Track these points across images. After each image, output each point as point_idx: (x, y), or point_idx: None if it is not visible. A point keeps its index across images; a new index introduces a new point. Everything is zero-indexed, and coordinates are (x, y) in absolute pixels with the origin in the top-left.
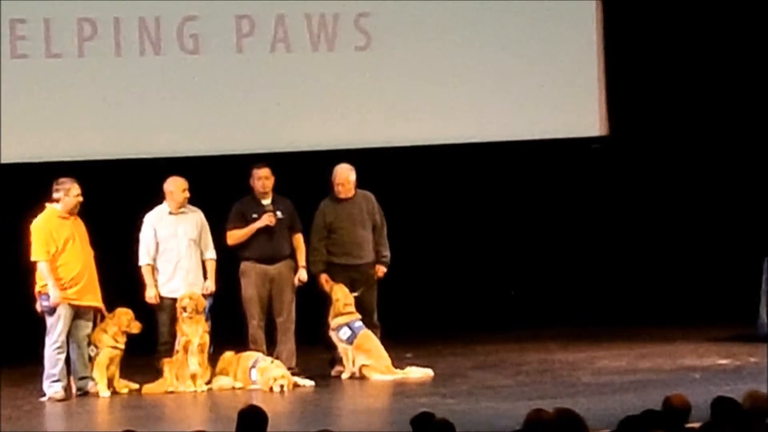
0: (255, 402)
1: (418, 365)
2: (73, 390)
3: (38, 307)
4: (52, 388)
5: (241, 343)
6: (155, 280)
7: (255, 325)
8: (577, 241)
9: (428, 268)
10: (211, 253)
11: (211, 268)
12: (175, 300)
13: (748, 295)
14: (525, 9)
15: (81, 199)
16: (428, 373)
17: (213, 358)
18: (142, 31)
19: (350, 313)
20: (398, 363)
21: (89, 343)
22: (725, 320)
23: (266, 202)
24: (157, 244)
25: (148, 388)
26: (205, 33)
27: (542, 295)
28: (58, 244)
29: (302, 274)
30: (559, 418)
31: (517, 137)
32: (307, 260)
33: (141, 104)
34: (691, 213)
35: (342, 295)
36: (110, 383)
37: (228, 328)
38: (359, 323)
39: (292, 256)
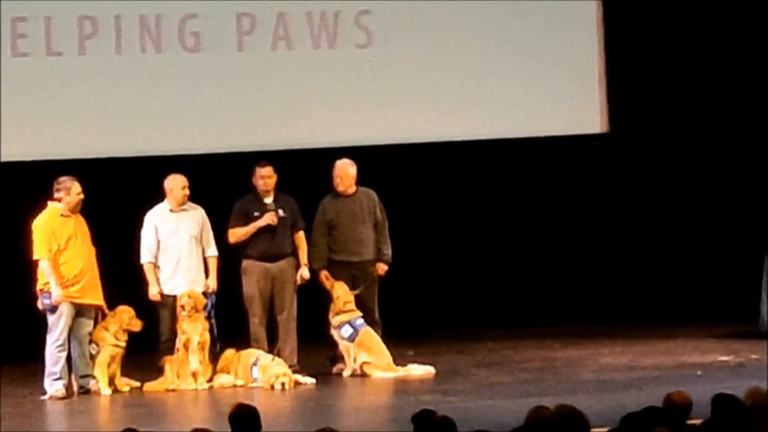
0: (256, 399)
1: (419, 363)
2: (75, 388)
3: (39, 306)
4: (53, 386)
5: (242, 341)
6: (157, 278)
7: (256, 323)
8: (578, 238)
9: (430, 266)
10: (212, 251)
11: (213, 265)
12: (176, 298)
13: (749, 292)
14: (526, 7)
15: (82, 197)
16: (429, 370)
17: (215, 356)
18: (143, 29)
19: (351, 310)
20: (399, 360)
21: (90, 341)
22: (726, 317)
23: (268, 200)
24: (159, 242)
25: (150, 386)
26: (206, 31)
27: (544, 293)
28: (60, 243)
29: (304, 272)
30: (561, 415)
31: (518, 134)
32: (309, 257)
33: (142, 102)
34: (692, 210)
35: (342, 293)
36: (111, 381)
37: (229, 326)
38: (360, 321)
39: (294, 253)
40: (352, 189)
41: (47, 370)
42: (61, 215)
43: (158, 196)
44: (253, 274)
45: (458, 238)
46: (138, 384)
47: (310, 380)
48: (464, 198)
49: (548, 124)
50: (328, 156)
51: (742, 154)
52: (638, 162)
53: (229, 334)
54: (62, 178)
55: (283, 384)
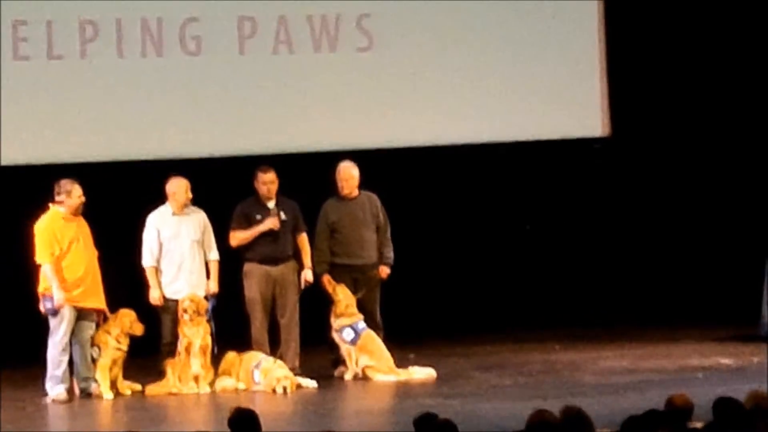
0: (258, 402)
1: (420, 366)
2: (76, 391)
3: (41, 309)
4: (55, 389)
5: (244, 344)
6: (159, 282)
7: (258, 326)
8: (579, 241)
9: (431, 269)
10: (214, 254)
11: (215, 269)
12: (178, 301)
13: (750, 295)
14: (527, 10)
15: (83, 199)
16: (431, 373)
17: (216, 359)
18: (144, 32)
19: (353, 314)
20: (401, 364)
21: (92, 345)
22: (728, 320)
23: (270, 204)
24: (161, 245)
25: (151, 389)
26: (207, 34)
27: (545, 296)
28: (62, 246)
29: (308, 275)
30: (566, 416)
31: (519, 138)
32: (311, 260)
33: (143, 106)
34: (693, 213)
35: (344, 297)
36: (113, 385)
37: (231, 329)
38: (362, 324)
39: (296, 257)
40: (355, 192)
41: (49, 374)
42: (63, 218)
43: (160, 199)
44: (254, 277)
45: (459, 241)
46: (140, 387)
47: (311, 383)
48: (466, 202)
49: (550, 127)
50: (329, 159)
51: (743, 157)
52: (640, 165)
53: (231, 337)
54: (63, 181)
55: (284, 387)
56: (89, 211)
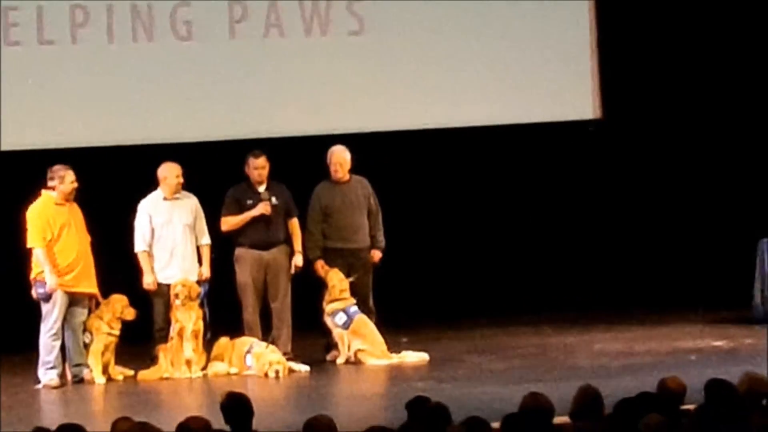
0: (250, 387)
1: (413, 350)
2: (69, 377)
3: (33, 295)
4: (47, 375)
5: (236, 329)
6: (151, 267)
7: (250, 311)
8: (571, 224)
9: (423, 253)
10: (206, 239)
11: (206, 254)
12: (170, 286)
13: (742, 278)
14: None
15: (76, 185)
16: (424, 357)
17: (208, 344)
18: (135, 17)
19: (345, 298)
20: (394, 348)
21: (84, 330)
22: (720, 303)
23: (261, 188)
24: (153, 231)
25: (144, 374)
26: (197, 19)
27: (537, 279)
28: (54, 231)
29: (298, 260)
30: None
31: (511, 121)
32: (303, 245)
33: (134, 91)
34: (686, 195)
35: (337, 281)
36: (105, 370)
37: (223, 314)
38: (355, 308)
39: (287, 241)
40: (347, 176)
41: (41, 359)
42: (56, 204)
43: (151, 184)
44: (246, 262)
45: (451, 225)
46: (132, 372)
47: (304, 368)
48: (457, 184)
49: (541, 110)
50: (320, 143)
51: (736, 138)
52: (632, 147)
53: (223, 322)
54: (56, 167)
55: (277, 372)
56: (80, 197)
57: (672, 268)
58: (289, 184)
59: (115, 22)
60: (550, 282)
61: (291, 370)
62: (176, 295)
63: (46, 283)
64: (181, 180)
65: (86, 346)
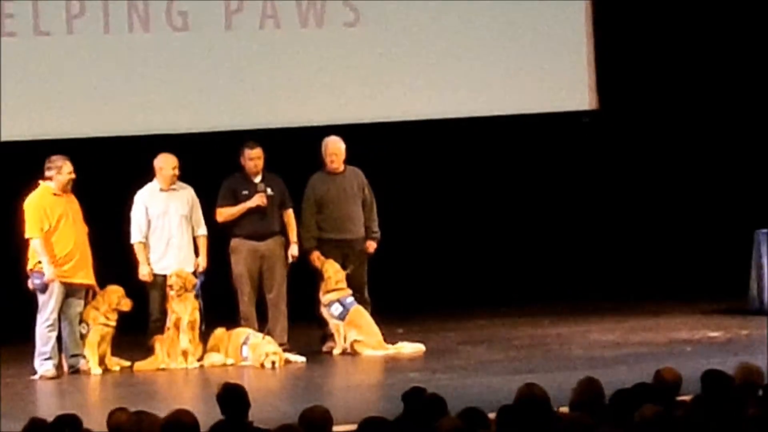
0: (246, 378)
1: (409, 341)
2: (65, 368)
3: (30, 285)
4: (43, 366)
5: (232, 320)
6: (147, 258)
7: (246, 302)
8: (567, 215)
9: (419, 244)
10: (202, 230)
11: (203, 244)
12: (166, 277)
13: (738, 268)
14: None
15: (73, 176)
16: (420, 348)
17: (204, 335)
18: (131, 8)
19: (341, 289)
20: (390, 338)
21: (81, 321)
22: (716, 293)
23: (256, 179)
24: (149, 222)
25: (140, 365)
26: (193, 10)
27: (533, 270)
28: (51, 222)
29: (294, 250)
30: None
31: (507, 112)
32: (299, 236)
33: (130, 82)
34: (682, 186)
35: (333, 272)
36: (101, 361)
37: (219, 305)
38: (351, 299)
39: (283, 232)
40: (342, 167)
41: (37, 350)
42: (53, 194)
43: (147, 175)
44: (241, 253)
45: (447, 215)
46: (128, 363)
47: (300, 359)
48: (453, 175)
49: (537, 101)
50: (315, 134)
51: (732, 130)
52: (628, 139)
53: (219, 313)
54: (53, 158)
55: (273, 362)
56: (76, 188)
57: (668, 259)
58: (284, 175)
59: (110, 13)
60: (545, 273)
61: (287, 361)
62: (170, 286)
63: (43, 274)
64: (177, 171)
65: (82, 337)
